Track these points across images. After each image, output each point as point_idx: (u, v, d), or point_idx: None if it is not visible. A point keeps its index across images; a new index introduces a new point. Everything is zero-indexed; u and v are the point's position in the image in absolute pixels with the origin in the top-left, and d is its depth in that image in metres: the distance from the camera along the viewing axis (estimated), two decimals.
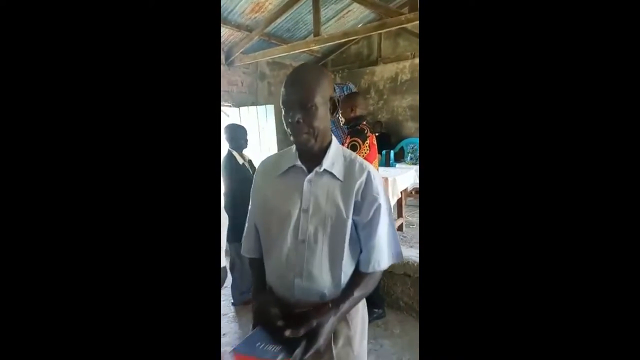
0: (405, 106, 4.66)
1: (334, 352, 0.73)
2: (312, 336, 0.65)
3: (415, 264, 2.01)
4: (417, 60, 4.41)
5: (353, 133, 1.75)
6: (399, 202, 2.59)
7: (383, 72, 4.75)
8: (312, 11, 3.15)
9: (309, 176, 0.72)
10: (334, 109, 0.72)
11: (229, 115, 4.02)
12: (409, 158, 3.55)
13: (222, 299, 2.06)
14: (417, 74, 4.46)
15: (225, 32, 3.45)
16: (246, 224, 0.85)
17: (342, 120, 1.89)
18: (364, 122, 1.81)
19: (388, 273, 2.09)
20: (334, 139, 0.76)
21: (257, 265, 0.81)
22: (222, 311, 2.05)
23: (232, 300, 2.13)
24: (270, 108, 4.22)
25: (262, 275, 0.79)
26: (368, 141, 1.73)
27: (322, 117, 0.69)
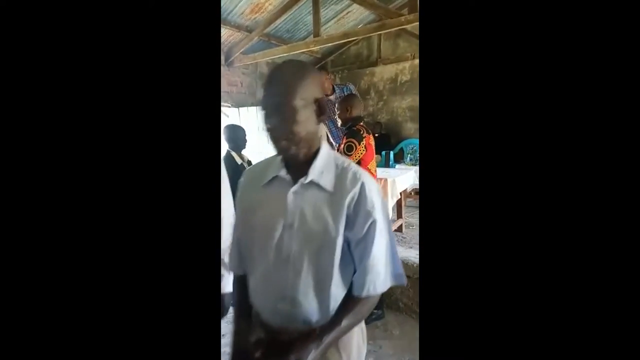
0: (405, 107, 4.66)
1: None
2: None
3: (415, 265, 2.01)
4: (416, 61, 4.42)
5: (349, 134, 1.78)
6: (399, 203, 2.59)
7: (383, 73, 4.76)
8: (311, 12, 3.15)
9: (294, 188, 0.64)
10: (320, 112, 0.63)
11: (228, 115, 4.02)
12: (408, 159, 3.55)
13: None
14: (416, 75, 4.47)
15: (224, 32, 3.46)
16: (230, 238, 0.79)
17: (339, 121, 1.91)
18: (361, 123, 1.83)
19: None
20: (324, 145, 0.68)
21: (241, 284, 0.74)
22: None
23: (232, 300, 2.12)
24: None
25: (245, 296, 0.71)
26: (364, 142, 1.75)
27: (304, 121, 0.61)
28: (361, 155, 1.76)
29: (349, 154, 1.74)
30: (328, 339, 0.62)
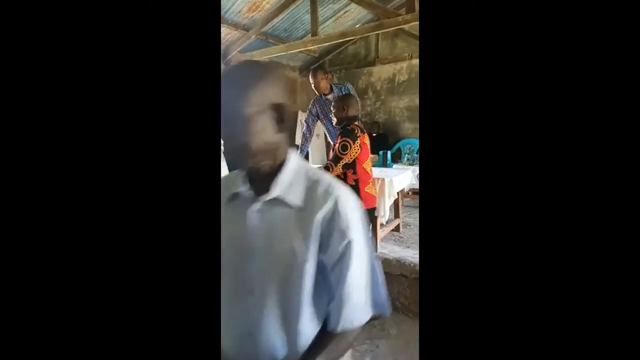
0: (403, 107, 4.67)
1: None
2: None
3: (412, 265, 2.01)
4: (414, 61, 4.42)
5: (343, 133, 1.80)
6: (396, 203, 2.59)
7: (380, 72, 4.76)
8: (309, 11, 3.15)
9: (256, 206, 0.56)
10: (281, 119, 0.54)
11: None
12: (405, 159, 3.55)
13: None
14: (414, 75, 4.48)
15: (222, 31, 3.44)
16: None
17: (334, 120, 1.92)
18: (355, 122, 1.84)
19: (385, 274, 2.08)
20: (293, 156, 0.59)
21: None
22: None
23: None
24: None
25: None
26: (359, 141, 1.76)
27: (260, 131, 0.52)
28: (356, 155, 1.76)
29: (344, 153, 1.75)
30: None
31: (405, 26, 2.69)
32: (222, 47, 3.72)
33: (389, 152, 2.96)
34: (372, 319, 0.59)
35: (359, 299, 0.56)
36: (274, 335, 0.55)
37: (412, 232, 2.67)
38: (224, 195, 0.59)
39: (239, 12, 3.32)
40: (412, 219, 3.04)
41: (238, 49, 3.65)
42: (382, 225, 2.31)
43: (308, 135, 2.47)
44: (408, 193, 3.36)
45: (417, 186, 3.05)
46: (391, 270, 2.07)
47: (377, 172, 2.40)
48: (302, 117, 4.57)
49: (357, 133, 1.77)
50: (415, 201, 3.52)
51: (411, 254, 2.14)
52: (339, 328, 0.55)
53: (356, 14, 4.00)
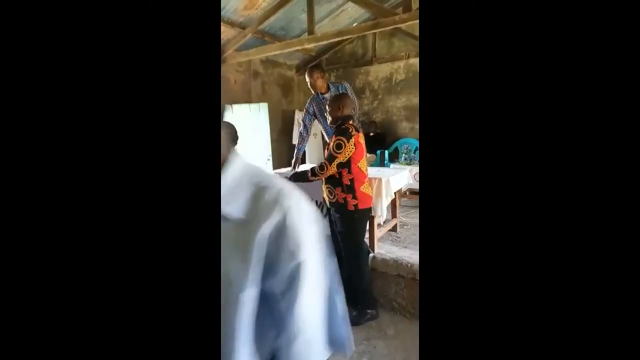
0: (400, 106, 4.67)
1: None
2: None
3: (409, 265, 2.01)
4: (411, 61, 4.42)
5: (338, 132, 1.79)
6: (393, 203, 2.58)
7: (378, 72, 4.76)
8: (306, 9, 3.13)
9: None
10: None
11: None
12: (403, 158, 3.55)
13: None
14: (411, 74, 4.48)
15: None
16: None
17: (329, 119, 1.91)
18: (350, 122, 1.83)
19: (382, 274, 2.08)
20: (234, 160, 0.49)
21: None
22: None
23: None
24: (264, 106, 4.19)
25: None
26: (353, 140, 1.76)
27: None
28: (351, 153, 1.76)
29: (338, 151, 1.74)
30: None
31: (402, 25, 2.68)
32: None
33: (386, 152, 2.95)
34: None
35: (311, 335, 0.45)
36: None
37: (410, 232, 2.67)
38: None
39: (235, 9, 3.29)
40: (409, 218, 3.03)
41: (234, 47, 3.63)
42: (379, 225, 2.30)
43: (305, 135, 2.45)
44: (405, 193, 3.36)
45: (414, 186, 3.05)
46: (388, 271, 2.07)
47: (374, 171, 2.39)
48: (299, 116, 4.58)
49: (351, 132, 1.77)
50: (413, 201, 3.52)
51: (408, 254, 2.14)
52: None
53: (353, 13, 3.99)
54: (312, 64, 4.48)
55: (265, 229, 0.43)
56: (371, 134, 4.34)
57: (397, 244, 2.38)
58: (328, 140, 2.40)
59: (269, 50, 3.47)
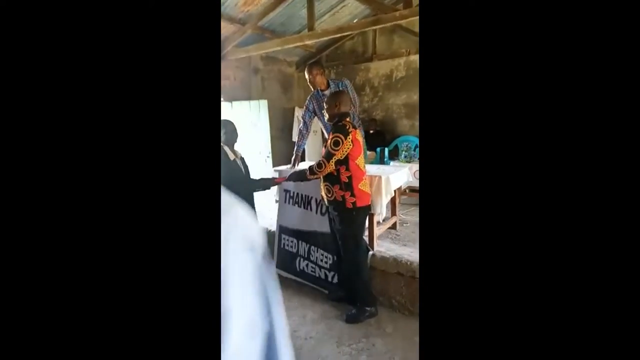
0: (400, 104, 4.65)
1: None
2: None
3: (409, 263, 2.00)
4: (412, 57, 4.39)
5: (335, 129, 1.79)
6: (393, 201, 2.58)
7: (378, 68, 4.73)
8: (306, 5, 3.10)
9: None
10: None
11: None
12: (403, 156, 3.54)
13: None
14: (412, 71, 4.45)
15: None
16: None
17: (326, 116, 1.91)
18: (347, 118, 1.83)
19: (381, 272, 2.08)
20: None
21: None
22: None
23: None
24: (264, 103, 4.17)
25: None
26: (350, 136, 1.75)
27: None
28: (348, 150, 1.75)
29: (336, 149, 1.74)
30: None
31: (403, 22, 2.66)
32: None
33: (386, 149, 2.94)
34: None
35: None
36: None
37: (409, 230, 2.66)
38: None
39: (235, 5, 3.27)
40: (409, 216, 3.03)
41: (234, 44, 3.61)
42: (378, 223, 2.29)
43: (304, 132, 2.44)
44: (405, 190, 3.35)
45: (414, 184, 3.04)
46: (388, 269, 2.06)
47: (374, 169, 2.38)
48: (298, 113, 4.57)
49: (348, 129, 1.76)
50: (412, 198, 3.51)
51: (408, 252, 2.13)
52: None
53: (353, 9, 3.96)
54: (311, 60, 4.45)
55: None
56: (371, 132, 4.33)
57: (396, 242, 2.38)
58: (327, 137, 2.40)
59: (269, 46, 3.45)
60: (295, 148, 2.45)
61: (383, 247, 2.24)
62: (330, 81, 2.36)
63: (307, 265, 2.29)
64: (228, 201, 0.42)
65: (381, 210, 2.14)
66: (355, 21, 4.02)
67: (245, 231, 0.38)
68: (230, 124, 2.07)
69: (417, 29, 3.80)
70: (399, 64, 4.57)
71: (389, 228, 2.59)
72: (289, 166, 2.43)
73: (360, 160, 1.82)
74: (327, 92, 2.29)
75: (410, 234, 2.56)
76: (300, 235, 2.32)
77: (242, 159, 2.10)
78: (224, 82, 4.06)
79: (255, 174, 2.20)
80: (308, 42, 3.39)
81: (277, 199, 2.49)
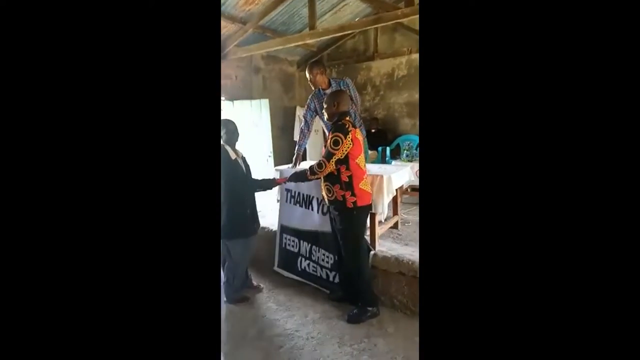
0: (402, 102, 4.63)
1: None
2: None
3: (410, 263, 1.99)
4: (413, 56, 4.37)
5: (335, 128, 1.78)
6: (394, 200, 2.57)
7: (379, 67, 4.71)
8: (307, 4, 3.09)
9: None
10: None
11: (222, 109, 3.96)
12: (404, 155, 3.52)
13: None
14: (413, 70, 4.43)
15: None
16: None
17: (325, 116, 1.90)
18: (347, 117, 1.82)
19: (382, 272, 2.07)
20: None
21: None
22: None
23: (225, 299, 2.10)
24: (265, 102, 4.16)
25: None
26: (350, 135, 1.74)
27: None
28: (348, 149, 1.75)
29: (336, 148, 1.73)
30: None
31: (404, 20, 2.65)
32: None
33: (387, 149, 2.93)
34: None
35: None
36: None
37: (411, 229, 2.66)
38: None
39: (236, 5, 3.26)
40: (410, 216, 3.02)
41: (235, 43, 3.60)
42: (380, 222, 2.28)
43: (306, 131, 2.43)
44: (407, 190, 3.34)
45: (416, 183, 3.03)
46: (389, 268, 2.06)
47: (375, 169, 2.37)
48: (300, 112, 4.56)
49: (348, 127, 1.75)
50: (414, 198, 3.50)
51: (409, 252, 2.12)
52: None
53: (355, 8, 3.94)
54: (312, 60, 4.44)
55: None
56: (372, 131, 4.31)
57: (398, 242, 2.37)
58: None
59: (270, 45, 3.44)
60: (296, 147, 2.44)
61: (385, 246, 2.23)
62: (331, 80, 2.35)
63: (308, 264, 2.29)
64: None
65: (383, 210, 2.13)
66: (356, 20, 4.00)
67: None
68: (231, 123, 2.06)
69: (418, 27, 3.77)
70: (401, 63, 4.55)
71: (391, 227, 2.58)
72: (290, 166, 2.43)
73: (360, 159, 1.82)
74: (328, 91, 2.29)
75: (412, 233, 2.55)
76: (301, 234, 2.32)
77: (243, 159, 2.10)
78: (225, 82, 4.06)
79: (256, 174, 2.19)
80: (309, 41, 3.38)
81: (279, 199, 2.49)
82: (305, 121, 2.44)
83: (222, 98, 4.01)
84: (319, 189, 2.04)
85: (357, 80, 4.77)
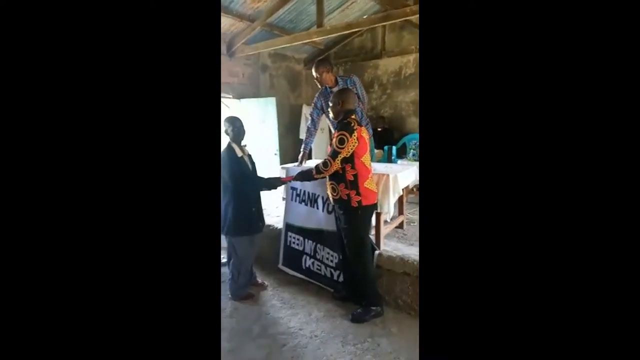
0: (409, 101, 4.59)
1: None
2: None
3: (415, 263, 1.99)
4: None
5: (340, 127, 1.78)
6: (400, 200, 2.55)
7: (387, 65, 4.68)
8: (315, 2, 3.08)
9: None
10: None
11: (229, 107, 3.98)
12: (411, 154, 3.50)
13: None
14: None
15: (227, 22, 3.39)
16: None
17: (331, 114, 1.89)
18: (352, 116, 1.81)
19: (387, 272, 2.07)
20: None
21: None
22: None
23: (230, 295, 2.12)
24: (272, 100, 4.17)
25: None
26: (356, 134, 1.74)
27: None
28: (354, 148, 1.74)
29: (341, 147, 1.73)
30: None
31: (412, 18, 2.62)
32: (227, 39, 3.68)
33: (394, 148, 2.92)
34: None
35: None
36: None
37: (416, 229, 2.64)
38: None
39: (244, 2, 3.26)
40: (416, 215, 3.00)
41: (243, 41, 3.61)
42: (385, 222, 2.28)
43: (312, 130, 2.43)
44: (413, 189, 3.32)
45: None
46: (394, 268, 2.05)
47: (381, 167, 2.36)
48: (306, 110, 4.55)
49: (353, 126, 1.74)
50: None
51: (415, 252, 2.11)
52: None
53: (362, 5, 3.92)
54: (318, 58, 4.43)
55: None
56: (379, 129, 4.29)
57: (403, 241, 2.36)
58: None
59: (278, 43, 3.44)
60: (302, 145, 2.44)
61: (390, 246, 2.22)
62: (338, 78, 2.34)
63: (313, 263, 2.29)
64: None
65: (389, 209, 2.12)
66: (364, 17, 3.98)
67: None
68: (237, 120, 2.07)
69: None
70: (408, 61, 4.51)
71: (396, 227, 2.57)
72: (296, 164, 2.43)
73: (366, 158, 1.81)
74: (335, 89, 2.28)
75: (417, 233, 2.53)
76: (306, 233, 2.32)
77: (249, 156, 2.10)
78: (232, 79, 4.07)
79: (263, 171, 2.20)
80: (317, 39, 3.37)
81: (284, 197, 2.49)
82: (312, 119, 2.44)
83: (230, 96, 4.02)
84: (324, 188, 2.04)
85: (364, 78, 4.75)
